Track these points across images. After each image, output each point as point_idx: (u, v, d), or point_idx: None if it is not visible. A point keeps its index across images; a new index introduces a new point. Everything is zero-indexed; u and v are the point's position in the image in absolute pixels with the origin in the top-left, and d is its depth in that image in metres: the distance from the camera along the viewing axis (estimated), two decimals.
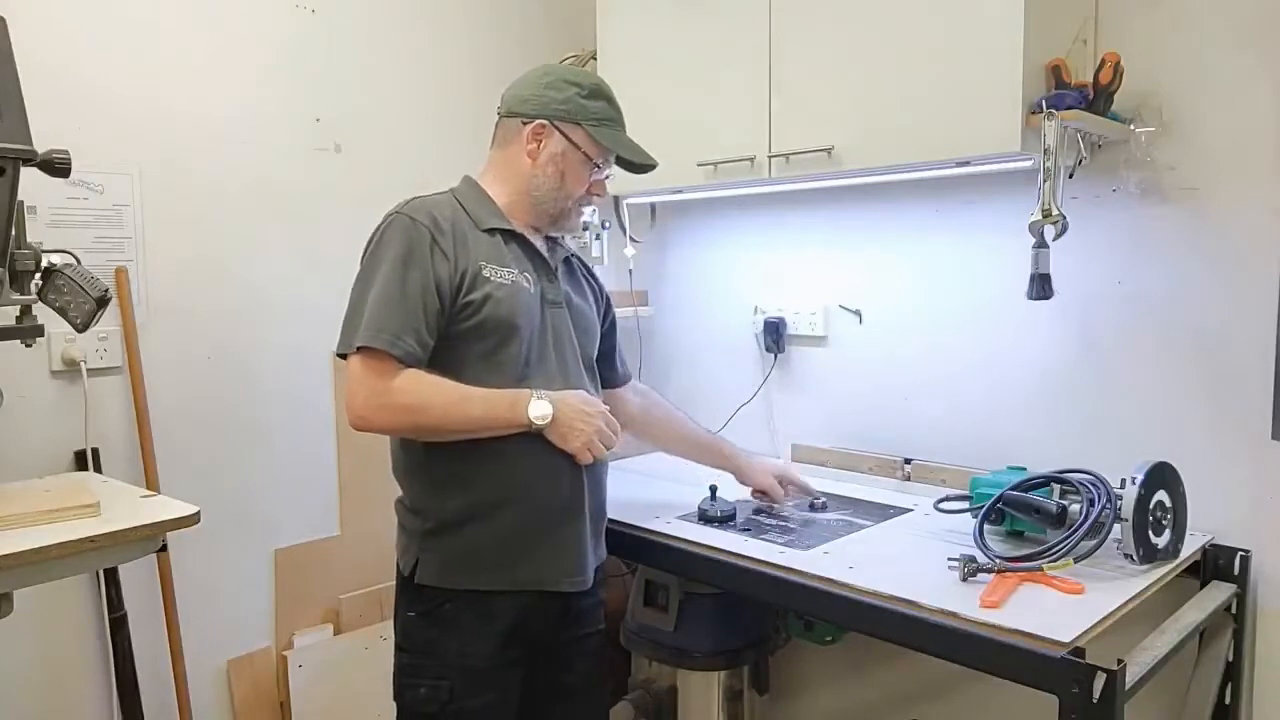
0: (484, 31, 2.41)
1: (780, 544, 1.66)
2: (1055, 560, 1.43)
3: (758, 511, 1.87)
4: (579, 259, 1.74)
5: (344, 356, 1.42)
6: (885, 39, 1.72)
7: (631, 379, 1.89)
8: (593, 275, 1.77)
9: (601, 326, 1.74)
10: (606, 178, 1.60)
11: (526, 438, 1.44)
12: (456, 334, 1.44)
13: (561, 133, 1.52)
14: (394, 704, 1.53)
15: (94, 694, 1.86)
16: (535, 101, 1.53)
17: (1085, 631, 1.25)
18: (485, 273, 1.45)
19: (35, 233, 1.54)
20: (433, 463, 1.48)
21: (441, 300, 1.42)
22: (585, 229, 2.23)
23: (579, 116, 1.52)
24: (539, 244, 1.56)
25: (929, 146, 1.69)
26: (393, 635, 1.55)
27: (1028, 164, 1.63)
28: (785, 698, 2.35)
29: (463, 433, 1.43)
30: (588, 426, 1.46)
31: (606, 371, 1.79)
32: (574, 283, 1.65)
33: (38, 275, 1.41)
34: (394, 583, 1.57)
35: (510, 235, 1.53)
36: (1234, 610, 1.63)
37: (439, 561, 1.47)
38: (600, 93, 1.55)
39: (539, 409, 1.42)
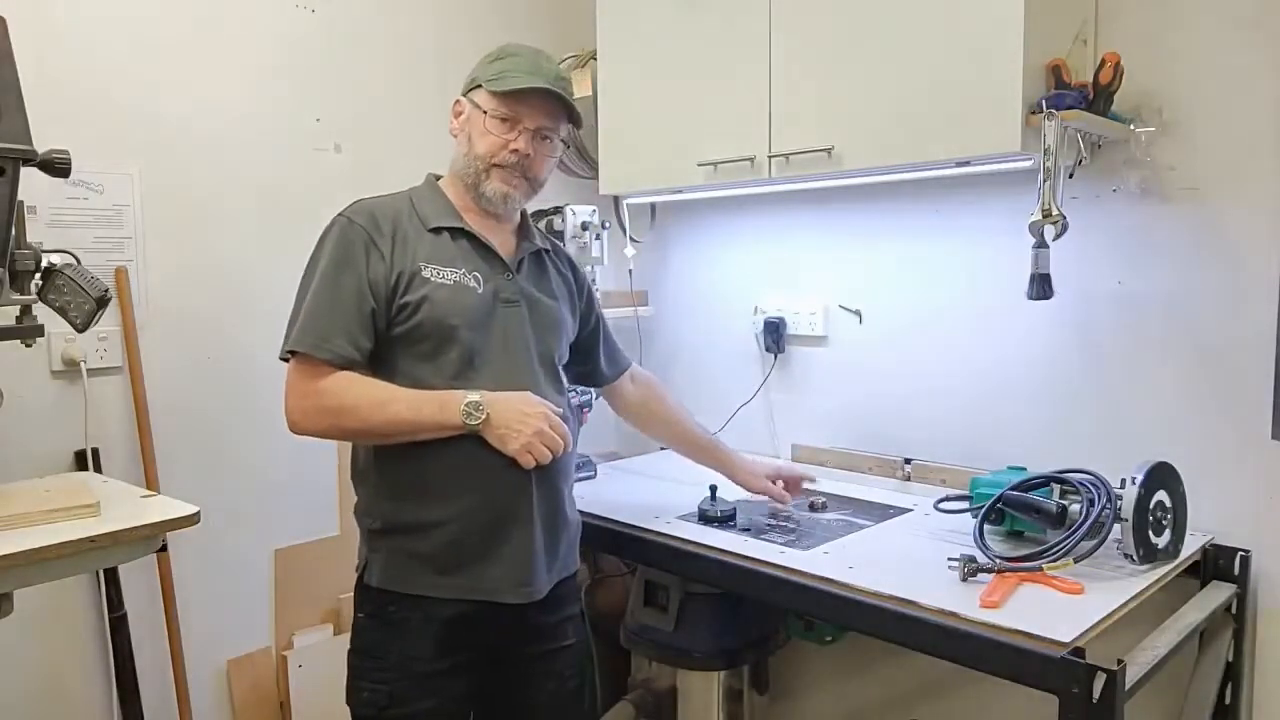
0: (484, 31, 2.41)
1: (780, 544, 1.66)
2: (1055, 560, 1.43)
3: (762, 512, 1.86)
4: (557, 253, 1.69)
5: (287, 361, 1.43)
6: (885, 39, 1.72)
7: (629, 369, 1.85)
8: (574, 270, 1.71)
9: (582, 323, 1.70)
10: (520, 134, 1.47)
11: (470, 441, 1.39)
12: (395, 335, 1.43)
13: (471, 102, 1.51)
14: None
15: (94, 694, 1.86)
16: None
17: (1085, 631, 1.25)
18: (425, 273, 1.43)
19: (35, 233, 1.54)
20: (379, 465, 1.47)
21: (377, 301, 1.41)
22: (585, 229, 2.22)
23: (481, 79, 1.50)
24: (495, 241, 1.52)
25: (929, 146, 1.68)
26: None
27: (1028, 164, 1.63)
28: (785, 698, 2.35)
29: (393, 435, 1.41)
30: (526, 428, 1.39)
31: (592, 367, 1.77)
32: (541, 279, 1.60)
33: (38, 275, 1.41)
34: None
35: (459, 233, 1.50)
36: (1234, 610, 1.63)
37: (383, 563, 1.46)
38: (505, 53, 1.51)
39: (470, 409, 1.37)
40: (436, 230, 1.48)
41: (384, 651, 1.45)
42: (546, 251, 1.64)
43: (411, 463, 1.42)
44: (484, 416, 1.38)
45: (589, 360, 1.76)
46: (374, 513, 1.48)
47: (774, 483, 1.89)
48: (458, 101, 1.54)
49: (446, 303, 1.43)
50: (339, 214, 1.48)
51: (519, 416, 1.40)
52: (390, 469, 1.45)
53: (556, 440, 1.42)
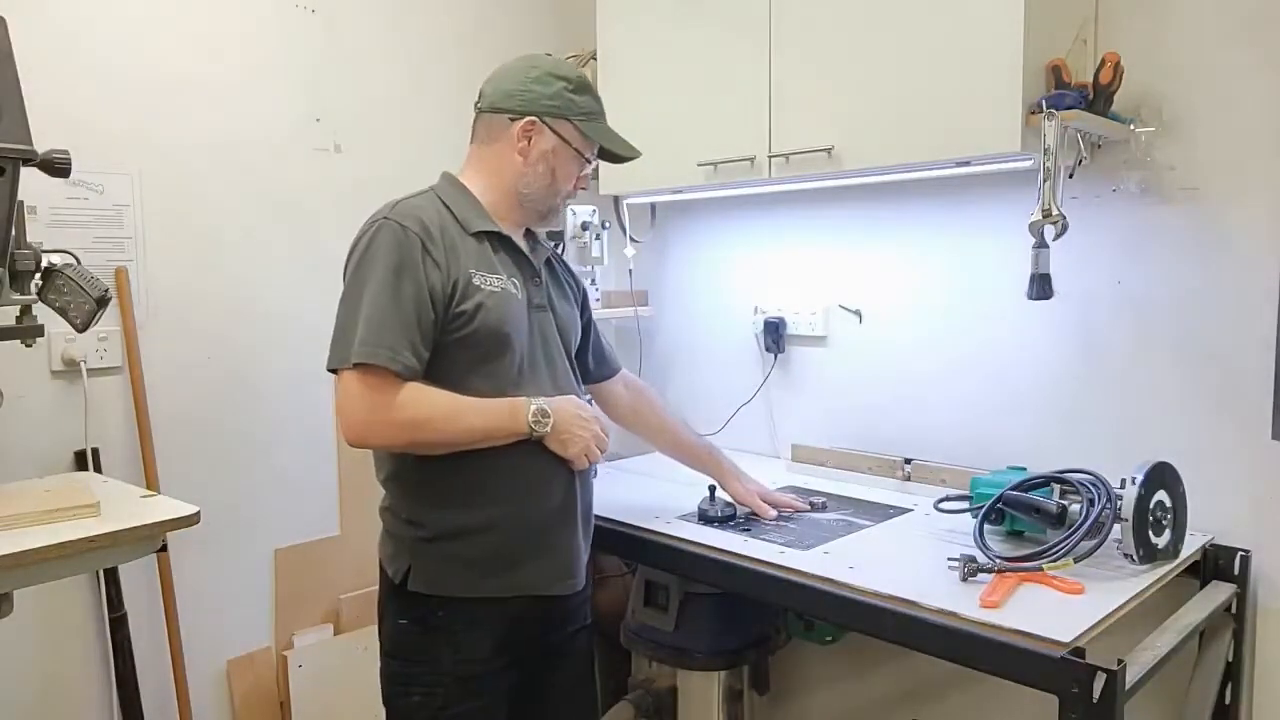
0: (484, 31, 2.42)
1: (780, 544, 1.66)
2: (1055, 560, 1.43)
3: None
4: (557, 257, 1.72)
5: (335, 371, 1.37)
6: (885, 39, 1.72)
7: (620, 370, 1.86)
8: (571, 273, 1.74)
9: (581, 323, 1.72)
10: (591, 171, 1.59)
11: (520, 445, 1.42)
12: (449, 344, 1.41)
13: (551, 129, 1.49)
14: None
15: (94, 694, 1.86)
16: (522, 97, 1.49)
17: (1085, 631, 1.25)
18: (476, 281, 1.42)
19: (35, 233, 1.55)
20: (426, 472, 1.44)
21: (435, 310, 1.38)
22: (585, 229, 2.22)
23: (568, 112, 1.49)
24: (524, 246, 1.54)
25: (929, 146, 1.68)
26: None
27: (1028, 164, 1.63)
28: (785, 698, 2.35)
29: (464, 445, 1.40)
30: (585, 433, 1.47)
31: (590, 365, 1.77)
32: (556, 284, 1.62)
33: (38, 275, 1.41)
34: None
35: (498, 239, 1.49)
36: (1234, 610, 1.63)
37: (433, 569, 1.44)
38: (586, 86, 1.53)
39: (539, 417, 1.41)
40: (477, 235, 1.47)
41: (434, 656, 1.44)
42: (551, 256, 1.67)
43: (463, 469, 1.42)
44: (550, 423, 1.43)
45: (588, 355, 1.76)
46: (417, 520, 1.45)
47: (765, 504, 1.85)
48: (532, 122, 1.48)
49: (499, 309, 1.43)
50: (384, 218, 1.41)
51: (577, 422, 1.47)
52: (437, 475, 1.43)
53: (606, 442, 1.53)
